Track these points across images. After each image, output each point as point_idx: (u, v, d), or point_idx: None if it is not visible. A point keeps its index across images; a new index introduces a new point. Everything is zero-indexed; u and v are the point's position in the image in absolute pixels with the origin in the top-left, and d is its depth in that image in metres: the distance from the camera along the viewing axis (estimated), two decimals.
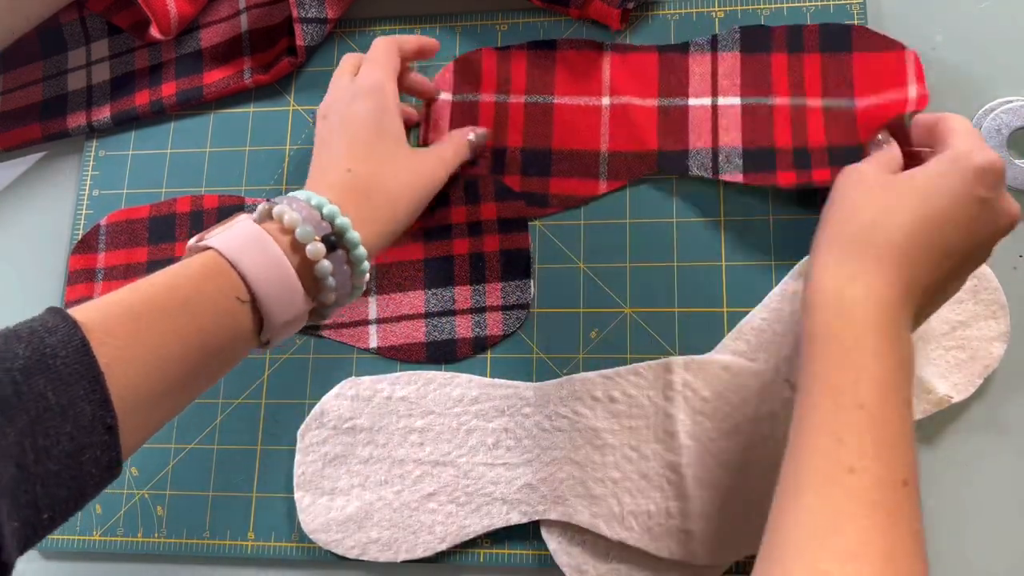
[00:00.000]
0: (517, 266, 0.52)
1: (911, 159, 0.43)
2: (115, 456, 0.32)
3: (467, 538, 0.47)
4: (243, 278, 0.36)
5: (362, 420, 0.49)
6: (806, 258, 0.49)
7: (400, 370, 0.52)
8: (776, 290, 0.49)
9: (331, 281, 0.39)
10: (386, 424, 0.49)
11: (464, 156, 0.52)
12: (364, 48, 0.58)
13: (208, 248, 0.37)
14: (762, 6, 0.54)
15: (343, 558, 0.50)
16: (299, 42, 0.56)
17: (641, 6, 0.55)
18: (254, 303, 0.37)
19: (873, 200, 0.38)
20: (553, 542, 0.48)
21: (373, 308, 0.54)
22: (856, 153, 0.50)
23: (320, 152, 0.47)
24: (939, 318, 0.47)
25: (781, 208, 0.51)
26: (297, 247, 0.38)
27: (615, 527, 0.45)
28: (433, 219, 0.54)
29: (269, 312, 0.37)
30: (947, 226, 0.37)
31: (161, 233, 0.57)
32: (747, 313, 0.50)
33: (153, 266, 0.56)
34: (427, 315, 0.53)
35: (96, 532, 0.53)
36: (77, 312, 0.33)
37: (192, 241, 0.38)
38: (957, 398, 0.46)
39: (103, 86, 0.60)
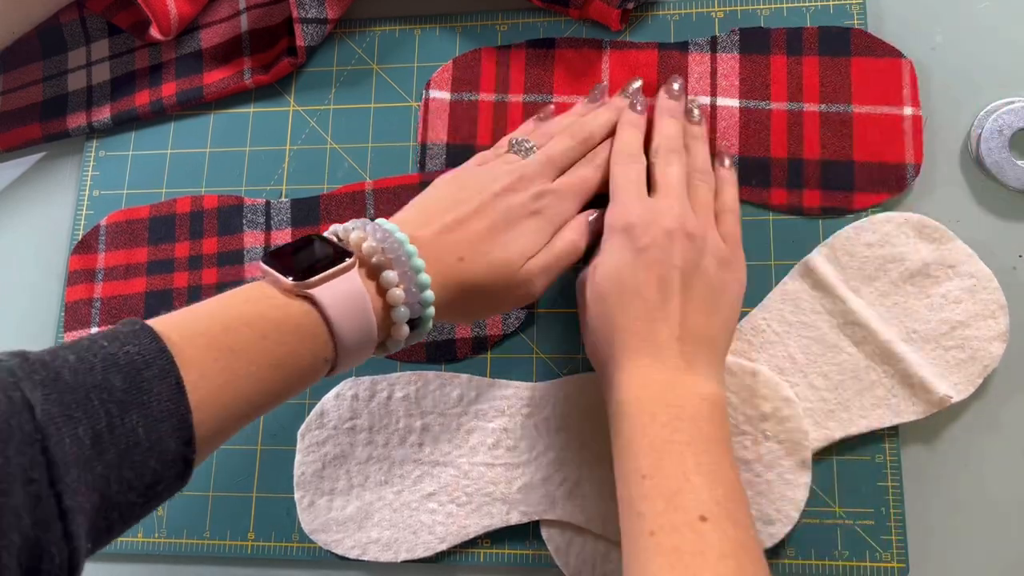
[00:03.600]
0: None
1: None
2: (184, 482, 0.33)
3: (467, 538, 0.47)
4: (335, 341, 0.36)
5: (362, 420, 0.49)
6: (806, 258, 0.49)
7: (400, 370, 0.52)
8: (776, 290, 0.49)
9: (400, 345, 0.40)
10: (386, 424, 0.49)
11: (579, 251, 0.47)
12: (364, 47, 0.58)
13: (309, 297, 0.36)
14: (762, 6, 0.54)
15: (343, 558, 0.50)
16: (299, 42, 0.56)
17: (641, 6, 0.55)
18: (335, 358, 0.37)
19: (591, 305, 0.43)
20: (553, 543, 0.48)
21: None
22: (847, 170, 0.50)
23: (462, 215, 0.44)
24: (939, 318, 0.47)
25: (777, 210, 0.51)
26: (387, 309, 0.38)
27: (611, 528, 0.45)
28: None
29: (339, 365, 0.38)
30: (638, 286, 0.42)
31: (161, 233, 0.57)
32: (747, 313, 0.50)
33: (153, 266, 0.56)
34: None
35: None
36: (171, 339, 0.33)
37: (290, 282, 0.36)
38: (957, 398, 0.46)
39: (103, 86, 0.60)
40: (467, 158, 0.54)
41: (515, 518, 0.47)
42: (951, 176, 0.51)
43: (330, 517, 0.49)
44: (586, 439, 0.47)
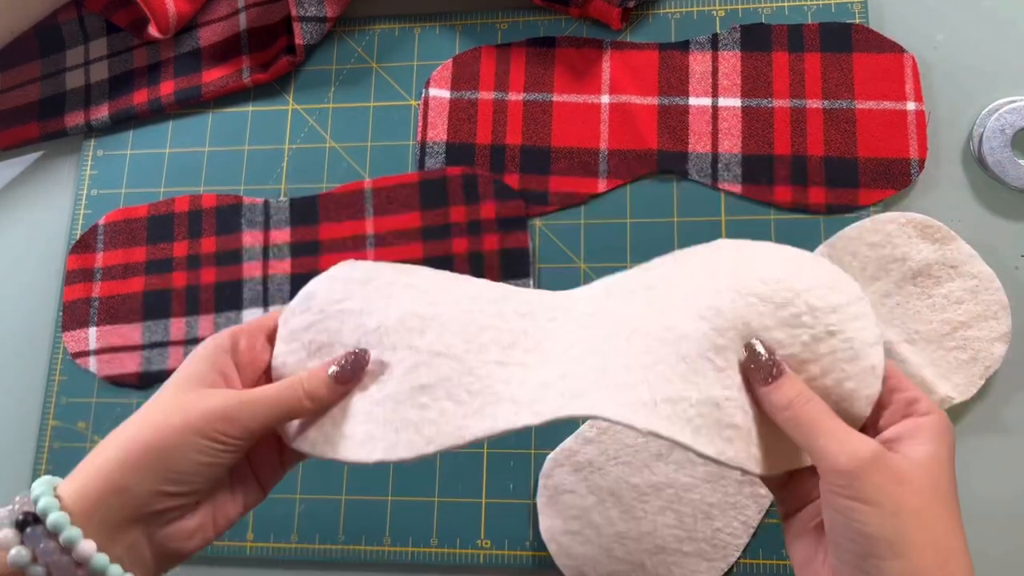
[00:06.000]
0: (516, 265, 0.52)
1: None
2: None
3: (462, 441, 0.37)
4: None
5: (353, 303, 0.40)
6: None
7: None
8: None
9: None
10: (381, 307, 0.40)
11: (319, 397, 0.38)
12: (363, 46, 0.58)
13: None
14: (763, 4, 0.54)
15: (343, 558, 0.50)
16: (298, 41, 0.56)
17: (641, 5, 0.55)
18: None
19: (937, 517, 0.31)
20: (553, 544, 0.48)
21: None
22: (851, 166, 0.50)
23: None
24: (941, 319, 0.47)
25: (781, 208, 0.51)
26: None
27: (643, 415, 0.35)
28: (432, 218, 0.54)
29: None
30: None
31: (159, 233, 0.57)
32: None
33: (151, 265, 0.56)
34: None
35: None
36: None
37: None
38: (958, 398, 0.46)
39: (101, 85, 0.60)
40: (467, 156, 0.54)
41: (525, 418, 0.36)
42: (953, 175, 0.51)
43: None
44: (612, 330, 0.38)
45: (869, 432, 0.34)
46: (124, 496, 0.34)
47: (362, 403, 0.38)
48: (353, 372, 0.38)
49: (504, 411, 0.37)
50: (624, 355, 0.36)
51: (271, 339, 0.40)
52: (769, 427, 0.34)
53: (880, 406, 0.34)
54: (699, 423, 0.34)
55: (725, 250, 0.37)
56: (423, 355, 0.38)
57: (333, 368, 0.38)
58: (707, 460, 0.35)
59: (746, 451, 0.34)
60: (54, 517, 0.32)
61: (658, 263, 0.38)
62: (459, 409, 0.37)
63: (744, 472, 0.35)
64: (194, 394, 0.36)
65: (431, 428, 0.37)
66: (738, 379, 0.35)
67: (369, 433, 0.38)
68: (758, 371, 0.34)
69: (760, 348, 0.34)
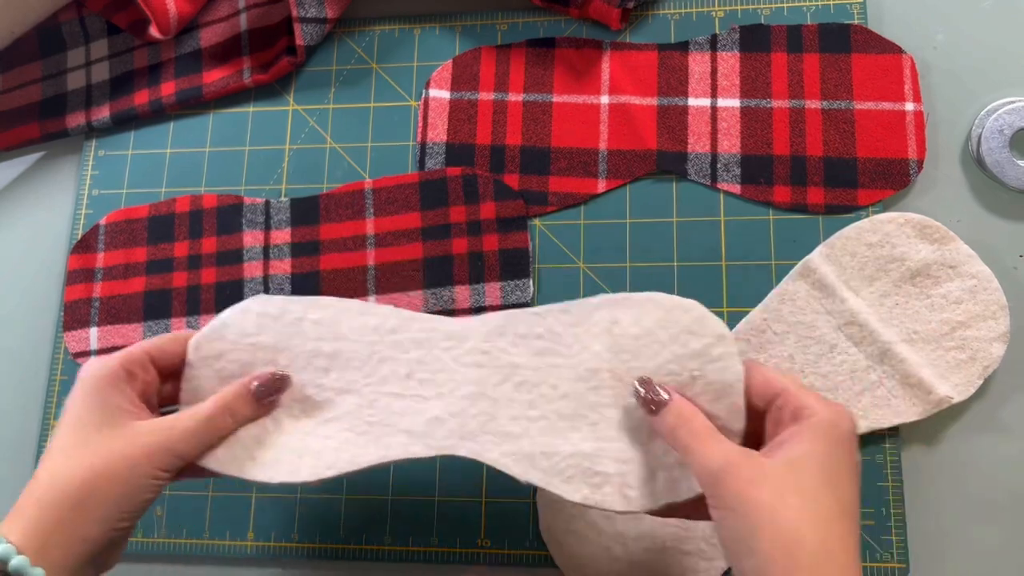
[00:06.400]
0: (516, 265, 0.52)
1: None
2: None
3: (358, 467, 0.42)
4: None
5: (265, 338, 0.43)
6: (806, 258, 0.49)
7: None
8: (776, 290, 0.49)
9: None
10: (292, 346, 0.43)
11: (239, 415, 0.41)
12: (364, 46, 0.58)
13: None
14: (762, 5, 0.54)
15: (343, 557, 0.50)
16: (298, 41, 0.56)
17: (641, 5, 0.55)
18: None
19: (800, 510, 0.32)
20: (553, 543, 0.48)
21: None
22: (850, 166, 0.50)
23: None
24: (939, 319, 0.47)
25: (780, 208, 0.51)
26: None
27: (524, 465, 0.40)
28: (432, 219, 0.54)
29: None
30: (855, 510, 0.34)
31: (160, 233, 0.57)
32: (747, 313, 0.50)
33: (152, 266, 0.56)
34: None
35: None
36: None
37: None
38: (957, 399, 0.46)
39: (102, 85, 0.60)
40: (467, 157, 0.54)
41: (417, 451, 0.42)
42: (952, 176, 0.51)
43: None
44: (505, 375, 0.42)
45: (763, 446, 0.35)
46: (78, 541, 0.35)
47: (273, 434, 0.42)
48: (274, 390, 0.41)
49: (398, 442, 0.42)
50: (512, 406, 0.42)
51: (155, 364, 0.41)
52: (648, 469, 0.39)
53: (774, 420, 0.36)
54: (570, 473, 0.40)
55: (604, 308, 0.41)
56: (328, 392, 0.43)
57: (255, 384, 0.41)
58: (577, 503, 0.40)
59: (616, 494, 0.39)
60: (16, 562, 0.33)
61: (547, 311, 0.42)
62: (359, 439, 0.42)
63: (616, 512, 0.39)
64: (125, 430, 0.37)
65: (331, 455, 0.42)
66: (610, 431, 0.40)
67: (276, 458, 0.42)
68: (645, 406, 0.38)
69: (640, 388, 0.38)
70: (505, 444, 0.41)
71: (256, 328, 0.44)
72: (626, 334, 0.41)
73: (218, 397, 0.40)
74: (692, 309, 0.40)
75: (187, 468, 0.40)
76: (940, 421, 0.48)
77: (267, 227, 0.56)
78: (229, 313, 0.44)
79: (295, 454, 0.42)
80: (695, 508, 0.37)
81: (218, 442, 0.40)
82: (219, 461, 0.41)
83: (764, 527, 0.32)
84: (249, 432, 0.42)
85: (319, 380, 0.43)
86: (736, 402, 0.38)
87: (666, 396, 0.37)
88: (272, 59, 0.58)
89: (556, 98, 0.55)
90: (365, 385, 0.43)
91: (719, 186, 0.52)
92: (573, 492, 0.40)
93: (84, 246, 0.57)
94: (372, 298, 0.54)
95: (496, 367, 0.43)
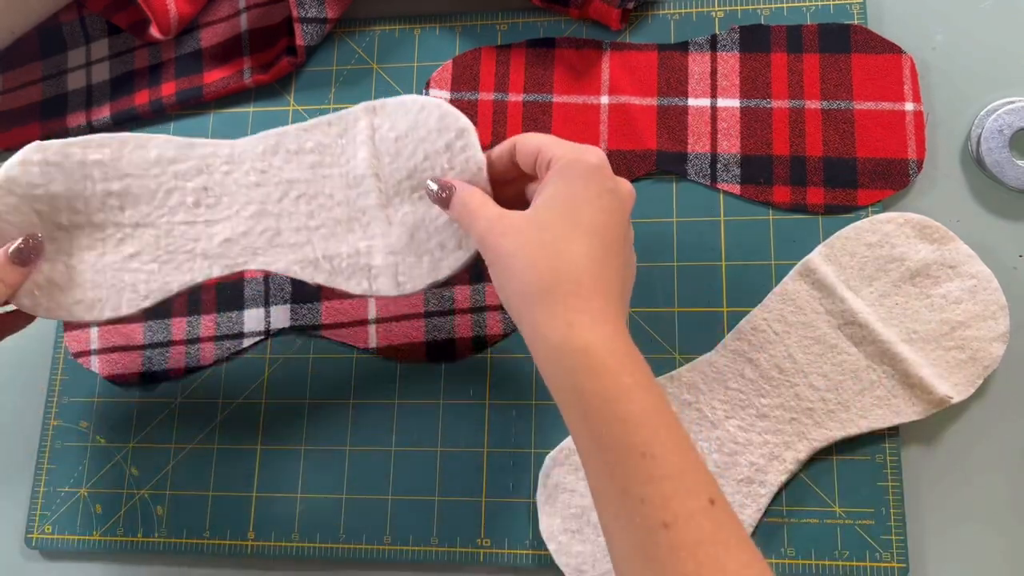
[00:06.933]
0: None
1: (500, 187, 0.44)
2: None
3: (170, 293, 0.46)
4: None
5: (56, 186, 0.46)
6: (806, 258, 0.49)
7: (400, 370, 0.52)
8: (776, 290, 0.49)
9: None
10: (82, 189, 0.46)
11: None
12: (364, 47, 0.58)
13: None
14: (762, 5, 0.54)
15: (343, 557, 0.50)
16: (299, 42, 0.56)
17: (641, 5, 0.55)
18: None
19: (537, 245, 0.37)
20: (553, 543, 0.48)
21: (372, 308, 0.54)
22: (850, 166, 0.50)
23: None
24: (939, 319, 0.47)
25: (780, 208, 0.51)
26: None
27: (309, 271, 0.46)
28: None
29: None
30: (601, 229, 0.37)
31: None
32: (747, 313, 0.50)
33: None
34: (427, 315, 0.53)
35: (96, 532, 0.53)
36: None
37: None
38: (957, 398, 0.46)
39: (103, 86, 0.60)
40: None
41: (216, 271, 0.46)
42: (951, 176, 0.51)
43: (33, 281, 0.46)
44: (283, 191, 0.46)
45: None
46: None
47: (85, 274, 0.47)
48: (31, 254, 0.45)
49: (198, 266, 0.47)
50: (293, 219, 0.46)
51: None
52: (415, 255, 0.45)
53: (539, 178, 0.40)
54: (349, 271, 0.45)
55: (363, 116, 0.46)
56: (126, 228, 0.47)
57: (11, 248, 0.45)
58: (359, 296, 0.48)
59: (390, 281, 0.45)
60: None
61: (314, 125, 0.46)
62: (163, 268, 0.47)
63: (391, 296, 0.45)
64: None
65: (144, 286, 0.46)
66: (380, 228, 0.45)
67: (96, 297, 0.46)
68: (439, 202, 0.42)
69: (432, 186, 0.43)
70: (291, 254, 0.46)
71: (42, 178, 0.46)
72: (386, 139, 0.45)
73: None
74: (435, 109, 0.44)
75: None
76: (940, 421, 0.48)
77: None
78: (8, 166, 0.46)
79: (114, 290, 0.46)
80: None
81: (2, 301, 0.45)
82: (44, 308, 0.46)
83: (511, 269, 0.37)
84: (65, 276, 0.46)
85: (116, 218, 0.47)
86: (484, 186, 0.43)
87: (454, 188, 0.42)
88: (272, 59, 0.58)
89: (556, 98, 0.55)
90: (159, 217, 0.47)
91: (719, 186, 0.52)
92: (355, 286, 0.45)
93: None
94: (372, 298, 0.54)
95: (275, 184, 0.47)
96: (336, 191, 0.46)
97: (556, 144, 0.39)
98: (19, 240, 0.45)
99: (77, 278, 0.46)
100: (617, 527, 0.33)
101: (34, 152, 0.46)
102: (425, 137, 0.44)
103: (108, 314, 0.46)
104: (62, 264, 0.47)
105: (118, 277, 0.46)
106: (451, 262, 0.44)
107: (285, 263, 0.46)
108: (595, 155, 0.38)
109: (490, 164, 0.43)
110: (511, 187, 0.44)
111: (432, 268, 0.45)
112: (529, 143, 0.40)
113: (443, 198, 0.42)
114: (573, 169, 0.38)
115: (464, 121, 0.44)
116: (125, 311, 0.46)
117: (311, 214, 0.46)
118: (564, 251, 0.36)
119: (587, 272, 0.36)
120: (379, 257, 0.45)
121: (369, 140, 0.46)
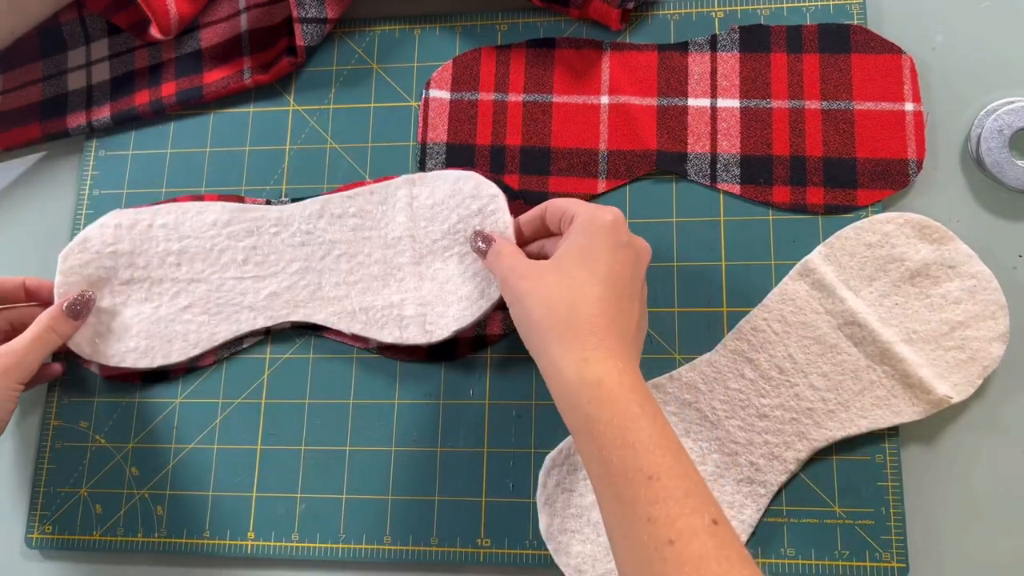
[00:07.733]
0: None
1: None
2: None
3: (217, 343, 0.52)
4: None
5: (124, 245, 0.53)
6: (806, 258, 0.49)
7: (400, 370, 0.52)
8: (776, 290, 0.49)
9: None
10: (146, 249, 0.53)
11: (57, 336, 0.51)
12: (364, 47, 0.58)
13: None
14: (762, 6, 0.54)
15: (344, 557, 0.50)
16: (299, 42, 0.56)
17: (641, 6, 0.55)
18: None
19: (556, 287, 0.41)
20: (553, 543, 0.48)
21: None
22: (850, 166, 0.50)
23: None
24: (939, 319, 0.47)
25: (780, 209, 0.51)
26: None
27: (347, 321, 0.51)
28: None
29: None
30: (616, 279, 0.41)
31: None
32: (747, 313, 0.50)
33: None
34: None
35: (96, 532, 0.53)
36: None
37: None
38: (957, 398, 0.46)
39: (103, 86, 0.60)
40: (467, 157, 0.54)
41: (261, 322, 0.52)
42: (951, 176, 0.51)
43: (96, 331, 0.53)
44: (326, 250, 0.52)
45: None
46: None
47: (141, 324, 0.53)
48: (82, 308, 0.51)
49: (245, 317, 0.53)
50: (334, 275, 0.52)
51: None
52: (443, 305, 0.50)
53: (561, 234, 0.45)
54: (383, 321, 0.51)
55: (404, 187, 0.52)
56: (181, 284, 0.53)
57: (66, 304, 0.51)
58: (390, 345, 0.51)
59: (418, 330, 0.50)
60: None
61: (356, 194, 0.53)
62: (212, 319, 0.53)
63: (420, 344, 0.50)
64: None
65: (194, 336, 0.53)
66: (413, 283, 0.51)
67: (150, 345, 0.52)
68: (476, 252, 0.48)
69: (475, 242, 0.48)
70: (331, 306, 0.52)
71: (114, 238, 0.53)
72: (423, 205, 0.51)
73: (40, 318, 0.50)
74: (470, 178, 0.50)
75: (37, 376, 0.51)
76: (940, 421, 0.48)
77: None
78: (89, 229, 0.54)
79: (165, 340, 0.52)
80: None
81: (52, 351, 0.50)
82: (105, 357, 0.52)
83: (531, 307, 0.41)
84: (122, 325, 0.53)
85: (173, 275, 0.53)
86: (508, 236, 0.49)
87: (493, 240, 0.47)
88: (272, 59, 0.58)
89: (556, 98, 0.55)
90: (211, 273, 0.53)
91: (719, 186, 0.52)
92: (387, 335, 0.50)
93: None
94: None
95: (318, 244, 0.53)
96: (375, 251, 0.52)
97: (577, 203, 0.44)
98: (74, 295, 0.51)
99: (133, 328, 0.52)
100: (626, 545, 0.35)
101: (112, 218, 0.54)
102: (461, 203, 0.50)
103: (159, 361, 0.52)
104: (121, 315, 0.53)
105: (171, 328, 0.52)
106: (474, 311, 0.49)
107: (325, 314, 0.51)
108: (611, 213, 0.42)
109: (521, 226, 0.48)
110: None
111: (457, 317, 0.49)
112: (558, 205, 0.45)
113: (481, 249, 0.47)
114: (593, 226, 0.42)
115: (495, 189, 0.50)
116: (175, 359, 0.52)
117: (351, 271, 0.52)
118: (582, 294, 0.40)
119: (603, 314, 0.39)
120: (410, 308, 0.50)
121: (408, 207, 0.51)
